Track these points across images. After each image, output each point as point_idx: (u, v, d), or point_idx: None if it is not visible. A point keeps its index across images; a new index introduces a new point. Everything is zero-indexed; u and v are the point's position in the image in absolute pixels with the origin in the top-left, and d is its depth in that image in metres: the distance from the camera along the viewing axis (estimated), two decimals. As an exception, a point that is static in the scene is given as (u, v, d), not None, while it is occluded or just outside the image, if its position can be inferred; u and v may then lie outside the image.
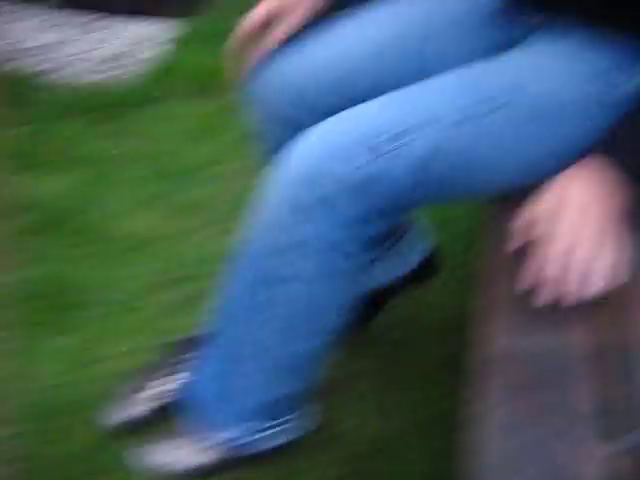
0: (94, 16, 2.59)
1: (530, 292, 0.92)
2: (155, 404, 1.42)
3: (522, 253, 0.95)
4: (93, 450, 1.39)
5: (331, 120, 1.12)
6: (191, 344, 1.43)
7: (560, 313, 0.92)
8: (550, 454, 0.79)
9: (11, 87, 2.21)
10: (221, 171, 2.00)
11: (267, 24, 1.28)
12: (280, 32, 1.26)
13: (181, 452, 1.34)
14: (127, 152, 2.07)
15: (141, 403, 1.42)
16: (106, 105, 2.19)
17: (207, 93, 2.26)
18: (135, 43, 2.48)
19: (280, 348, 1.23)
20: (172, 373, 1.43)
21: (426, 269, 1.56)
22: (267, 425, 1.32)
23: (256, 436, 1.32)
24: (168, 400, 1.42)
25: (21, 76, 2.26)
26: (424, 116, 1.08)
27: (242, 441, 1.32)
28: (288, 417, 1.34)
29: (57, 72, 2.33)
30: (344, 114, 1.13)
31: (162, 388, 1.42)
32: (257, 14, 1.27)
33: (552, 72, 1.12)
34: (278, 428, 1.33)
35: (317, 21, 1.28)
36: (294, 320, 1.21)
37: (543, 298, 0.90)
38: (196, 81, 2.29)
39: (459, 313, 1.44)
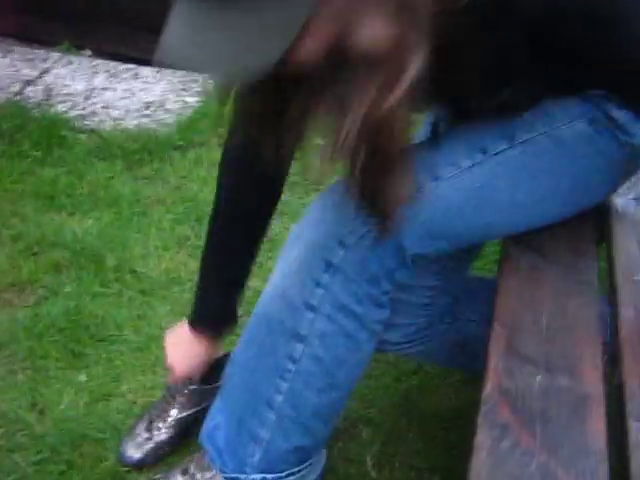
0: (125, 66, 2.71)
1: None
2: (171, 433, 1.50)
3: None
4: (110, 479, 1.44)
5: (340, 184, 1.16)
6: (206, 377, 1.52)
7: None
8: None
9: (47, 131, 2.30)
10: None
11: None
12: None
13: None
14: (154, 196, 2.15)
15: (158, 432, 1.50)
16: (135, 151, 2.28)
17: (232, 143, 2.35)
18: (164, 92, 2.59)
19: (299, 399, 1.25)
20: (185, 405, 1.51)
21: None
22: (282, 474, 1.32)
23: None
24: (182, 429, 1.50)
25: (56, 121, 2.36)
26: (423, 175, 1.13)
27: None
28: (301, 466, 1.34)
29: (90, 118, 2.43)
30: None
31: (176, 417, 1.51)
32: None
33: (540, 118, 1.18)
34: (291, 477, 1.34)
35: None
36: (313, 375, 1.23)
37: None
38: (221, 131, 2.36)
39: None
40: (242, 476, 1.31)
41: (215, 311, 1.47)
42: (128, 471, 1.46)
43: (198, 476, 1.36)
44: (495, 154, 1.16)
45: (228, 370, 1.34)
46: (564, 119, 1.19)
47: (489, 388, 0.95)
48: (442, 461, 1.49)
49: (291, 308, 1.19)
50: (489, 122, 1.19)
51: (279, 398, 1.24)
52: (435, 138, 1.23)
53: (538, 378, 0.97)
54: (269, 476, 1.31)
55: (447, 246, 1.20)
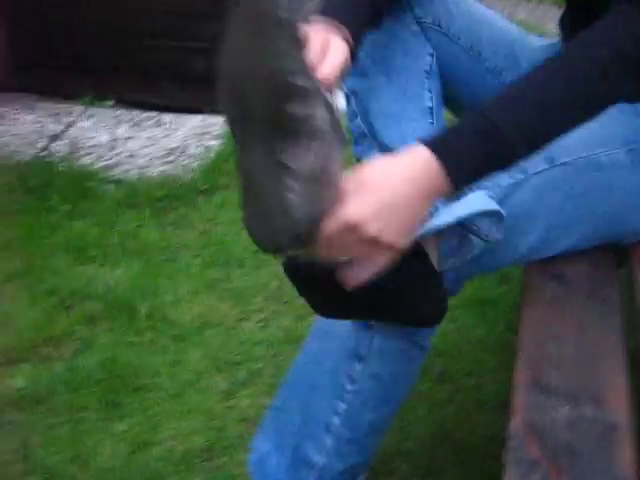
0: (147, 114, 2.76)
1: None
2: None
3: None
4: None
5: None
6: None
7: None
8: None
9: (74, 184, 2.36)
10: (268, 259, 2.09)
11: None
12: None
13: None
14: (181, 242, 2.18)
15: None
16: (161, 198, 2.33)
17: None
18: (186, 138, 2.63)
19: (357, 419, 1.26)
20: None
21: None
22: None
23: None
24: None
25: (83, 173, 2.41)
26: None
27: None
28: None
29: (115, 168, 2.48)
30: None
31: None
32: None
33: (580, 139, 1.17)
34: None
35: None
36: (371, 393, 1.25)
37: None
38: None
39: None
40: None
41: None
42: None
43: None
44: (535, 174, 1.18)
45: (284, 394, 1.35)
46: (605, 145, 1.22)
47: (515, 423, 0.96)
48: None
49: (351, 328, 1.21)
50: None
51: (337, 420, 1.26)
52: None
53: (563, 410, 0.98)
54: None
55: (485, 270, 1.23)
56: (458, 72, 1.37)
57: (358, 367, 1.22)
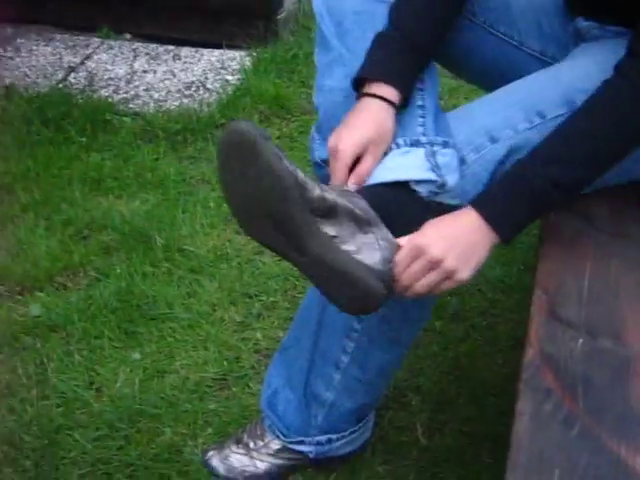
0: (165, 47, 2.73)
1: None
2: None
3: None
4: (167, 452, 1.49)
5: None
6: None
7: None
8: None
9: (91, 116, 2.34)
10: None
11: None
12: (366, 168, 1.16)
13: (255, 456, 1.41)
14: (198, 176, 2.17)
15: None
16: (179, 132, 2.30)
17: (272, 120, 2.36)
18: (204, 72, 2.60)
19: (365, 358, 1.29)
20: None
21: None
22: (345, 432, 1.38)
23: (333, 444, 1.38)
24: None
25: (100, 106, 2.39)
26: (483, 139, 1.17)
27: (318, 449, 1.38)
28: (360, 424, 1.40)
29: (132, 102, 2.46)
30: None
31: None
32: (346, 154, 1.15)
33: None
34: (348, 437, 1.40)
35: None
36: (380, 332, 1.27)
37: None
38: (262, 109, 2.39)
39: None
40: (307, 439, 1.38)
41: (396, 65, 1.19)
42: (184, 444, 1.50)
43: (251, 444, 1.41)
44: (553, 118, 1.17)
45: (295, 332, 1.37)
46: None
47: (531, 354, 0.96)
48: (492, 427, 1.50)
49: None
50: (548, 84, 1.21)
51: (345, 359, 1.29)
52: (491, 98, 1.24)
53: (580, 342, 0.98)
54: (334, 436, 1.37)
55: None
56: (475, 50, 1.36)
57: None
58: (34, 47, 2.74)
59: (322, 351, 1.31)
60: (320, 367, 1.32)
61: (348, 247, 1.07)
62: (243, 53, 2.66)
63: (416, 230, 1.11)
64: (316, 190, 1.06)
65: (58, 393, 1.60)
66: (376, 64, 1.17)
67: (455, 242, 1.09)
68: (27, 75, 2.59)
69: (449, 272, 1.09)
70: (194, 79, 2.56)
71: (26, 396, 1.59)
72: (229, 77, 2.57)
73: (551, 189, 1.09)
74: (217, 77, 2.57)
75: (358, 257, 1.07)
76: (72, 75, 2.58)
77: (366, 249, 1.07)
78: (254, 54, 2.63)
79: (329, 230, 1.06)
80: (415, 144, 1.15)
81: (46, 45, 2.75)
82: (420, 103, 1.19)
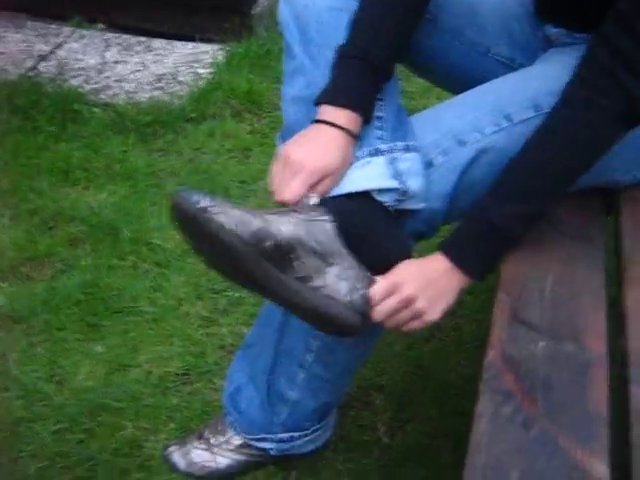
0: (137, 39, 2.70)
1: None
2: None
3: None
4: (128, 447, 1.48)
5: None
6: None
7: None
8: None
9: (61, 106, 2.31)
10: (255, 190, 2.08)
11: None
12: (325, 189, 1.15)
13: (216, 451, 1.39)
14: (168, 168, 2.16)
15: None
16: (149, 124, 2.29)
17: (243, 115, 2.35)
18: (176, 64, 2.59)
19: (329, 357, 1.28)
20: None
21: None
22: (308, 431, 1.37)
23: (295, 442, 1.37)
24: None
25: (70, 95, 2.36)
26: (450, 143, 1.18)
27: (280, 446, 1.37)
28: (322, 422, 1.39)
29: (103, 92, 2.44)
30: None
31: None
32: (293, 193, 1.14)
33: None
34: (310, 435, 1.38)
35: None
36: None
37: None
38: (234, 103, 2.38)
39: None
40: (269, 436, 1.36)
41: (356, 90, 1.17)
42: (145, 439, 1.49)
43: (213, 440, 1.40)
44: (520, 122, 1.17)
45: (259, 330, 1.37)
46: None
47: (492, 355, 0.96)
48: (454, 427, 1.51)
49: None
50: (515, 88, 1.22)
51: (310, 357, 1.28)
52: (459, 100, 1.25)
53: (541, 344, 0.98)
54: (296, 434, 1.36)
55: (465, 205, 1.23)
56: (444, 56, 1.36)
57: None
58: (4, 34, 2.71)
59: (286, 349, 1.30)
60: (284, 365, 1.31)
61: (316, 283, 1.09)
62: (216, 47, 2.64)
63: (386, 243, 1.13)
64: (269, 238, 1.07)
65: (19, 385, 1.58)
66: (338, 89, 1.17)
67: (427, 284, 1.12)
68: (-4, 63, 2.56)
69: (419, 312, 1.13)
70: (166, 71, 2.54)
71: (-14, 387, 1.57)
72: (201, 70, 2.55)
73: (514, 225, 1.12)
74: (189, 70, 2.55)
75: (328, 292, 1.09)
76: (42, 64, 2.55)
77: (334, 282, 1.10)
78: (227, 48, 2.62)
79: (293, 273, 1.08)
80: (375, 153, 1.15)
81: (17, 32, 2.72)
82: (379, 114, 1.18)
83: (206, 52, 2.63)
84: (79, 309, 1.74)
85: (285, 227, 1.09)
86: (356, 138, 1.16)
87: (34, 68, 2.52)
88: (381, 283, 1.12)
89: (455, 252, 1.14)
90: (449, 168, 1.17)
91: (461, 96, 1.26)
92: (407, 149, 1.16)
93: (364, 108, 1.16)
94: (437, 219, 1.20)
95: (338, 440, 1.49)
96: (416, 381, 1.63)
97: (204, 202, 1.06)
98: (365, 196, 1.14)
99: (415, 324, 1.14)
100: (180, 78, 2.52)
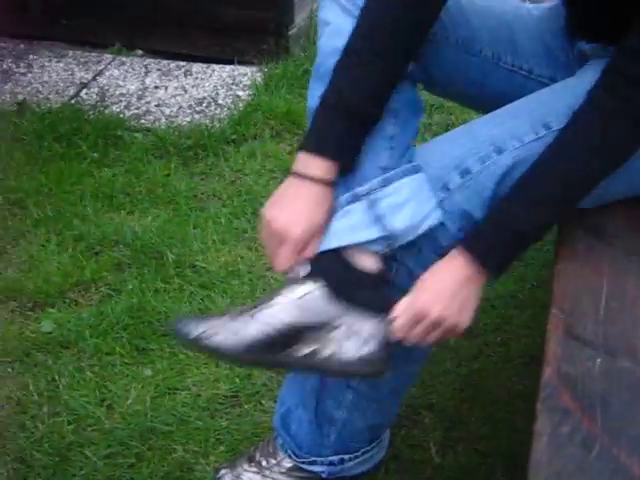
0: (176, 63, 2.74)
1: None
2: None
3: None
4: (179, 470, 1.48)
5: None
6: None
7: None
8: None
9: (103, 132, 2.34)
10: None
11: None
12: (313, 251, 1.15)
13: (268, 474, 1.39)
14: (210, 191, 2.17)
15: None
16: (190, 148, 2.31)
17: (283, 135, 2.36)
18: (215, 88, 2.61)
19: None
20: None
21: None
22: (358, 453, 1.37)
23: (345, 464, 1.37)
24: None
25: (111, 122, 2.40)
26: (489, 149, 1.16)
27: (331, 469, 1.36)
28: (373, 444, 1.38)
29: (144, 117, 2.47)
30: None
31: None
32: (296, 242, 1.14)
33: None
34: (362, 457, 1.38)
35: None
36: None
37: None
38: (273, 124, 2.39)
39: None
40: (319, 459, 1.36)
41: (333, 138, 1.15)
42: (196, 462, 1.49)
43: (264, 463, 1.40)
44: (559, 130, 1.16)
45: None
46: None
47: (548, 373, 0.95)
48: (506, 446, 1.49)
49: None
50: (554, 97, 1.22)
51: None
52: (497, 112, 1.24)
53: (598, 361, 0.97)
54: (346, 456, 1.36)
55: None
56: (454, 69, 1.33)
57: None
58: (46, 63, 2.76)
59: None
60: (331, 386, 1.31)
61: (325, 353, 1.13)
62: (254, 69, 2.66)
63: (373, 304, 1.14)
64: (266, 337, 1.12)
65: (69, 410, 1.59)
66: (316, 138, 1.16)
67: (452, 299, 1.11)
68: (39, 91, 2.60)
69: (452, 327, 1.13)
70: (205, 95, 2.57)
71: (37, 413, 1.58)
72: (240, 93, 2.57)
73: (535, 230, 1.12)
74: (228, 93, 2.58)
75: (338, 357, 1.12)
76: (84, 91, 2.59)
77: (343, 345, 1.12)
78: (265, 70, 2.64)
79: (303, 350, 1.12)
80: (353, 200, 1.14)
81: (58, 61, 2.77)
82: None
83: (244, 74, 2.65)
84: (127, 333, 1.75)
85: (279, 315, 1.13)
86: (335, 186, 1.15)
87: (76, 96, 2.57)
88: (403, 315, 1.11)
89: (477, 249, 1.11)
90: (487, 176, 1.15)
91: (499, 110, 1.25)
92: (385, 182, 1.14)
93: (342, 156, 1.14)
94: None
95: (389, 460, 1.47)
96: (466, 399, 1.61)
97: (195, 331, 1.14)
98: (353, 248, 1.14)
99: (450, 335, 1.14)
100: (219, 101, 2.54)
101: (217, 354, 1.17)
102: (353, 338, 1.11)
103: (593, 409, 0.91)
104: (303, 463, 1.37)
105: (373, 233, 1.13)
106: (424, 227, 1.13)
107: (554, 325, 1.03)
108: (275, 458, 1.39)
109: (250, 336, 1.12)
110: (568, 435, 0.87)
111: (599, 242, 1.20)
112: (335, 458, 1.36)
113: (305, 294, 1.13)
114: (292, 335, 1.12)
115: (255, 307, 1.14)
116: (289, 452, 1.37)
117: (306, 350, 1.12)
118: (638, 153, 1.17)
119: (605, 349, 0.99)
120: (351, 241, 1.13)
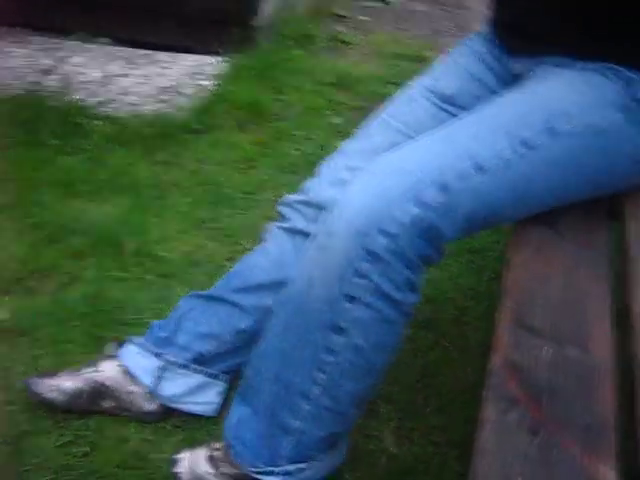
0: (141, 52, 2.72)
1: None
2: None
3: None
4: (133, 459, 1.46)
5: (375, 173, 1.18)
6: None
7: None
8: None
9: (64, 119, 2.32)
10: (258, 200, 2.08)
11: None
12: None
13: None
14: (171, 181, 2.16)
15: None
16: (153, 136, 2.30)
17: (246, 126, 2.36)
18: (180, 77, 2.60)
19: (338, 390, 1.25)
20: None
21: None
22: (315, 461, 1.33)
23: (303, 473, 1.32)
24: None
25: (73, 109, 2.37)
26: (467, 164, 1.16)
27: (287, 479, 1.32)
28: (332, 450, 1.35)
29: (107, 105, 2.45)
30: (386, 166, 1.19)
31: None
32: None
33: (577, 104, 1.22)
34: (320, 464, 1.34)
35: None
36: (353, 365, 1.23)
37: None
38: (237, 114, 2.38)
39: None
40: (276, 469, 1.31)
41: None
42: (151, 451, 1.48)
43: (224, 469, 1.36)
44: (537, 148, 1.18)
45: (254, 363, 1.33)
46: (598, 106, 1.22)
47: (496, 361, 0.95)
48: (460, 435, 1.50)
49: (329, 300, 1.18)
50: (528, 109, 1.23)
51: (316, 390, 1.25)
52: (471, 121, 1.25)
53: (546, 350, 0.97)
54: (303, 465, 1.32)
55: (478, 231, 1.23)
56: None
57: (338, 339, 1.20)
58: (8, 49, 2.72)
59: (287, 384, 1.26)
60: (286, 399, 1.27)
61: None
62: (219, 59, 2.65)
63: None
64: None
65: (24, 399, 1.57)
66: None
67: None
68: (1, 77, 2.57)
69: None
70: (170, 84, 2.55)
71: (-9, 401, 1.57)
72: (205, 82, 2.56)
73: None
74: (192, 82, 2.56)
75: None
76: (46, 78, 2.56)
77: None
78: (230, 60, 2.62)
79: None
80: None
81: (21, 47, 2.73)
82: None
83: (209, 64, 2.64)
84: (84, 322, 1.73)
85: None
86: None
87: (38, 82, 2.53)
88: None
89: None
90: (468, 196, 1.14)
91: (473, 116, 1.25)
92: None
93: None
94: (449, 240, 1.18)
95: (346, 450, 1.47)
96: (421, 389, 1.62)
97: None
98: None
99: None
100: (184, 90, 2.52)
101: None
102: None
103: (540, 397, 0.91)
104: (259, 474, 1.32)
105: None
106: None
107: (503, 314, 1.03)
108: (232, 464, 1.35)
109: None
110: (514, 423, 0.88)
111: (553, 235, 1.21)
112: (292, 467, 1.31)
113: None
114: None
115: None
116: (244, 463, 1.33)
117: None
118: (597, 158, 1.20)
119: (554, 339, 1.00)
120: None
